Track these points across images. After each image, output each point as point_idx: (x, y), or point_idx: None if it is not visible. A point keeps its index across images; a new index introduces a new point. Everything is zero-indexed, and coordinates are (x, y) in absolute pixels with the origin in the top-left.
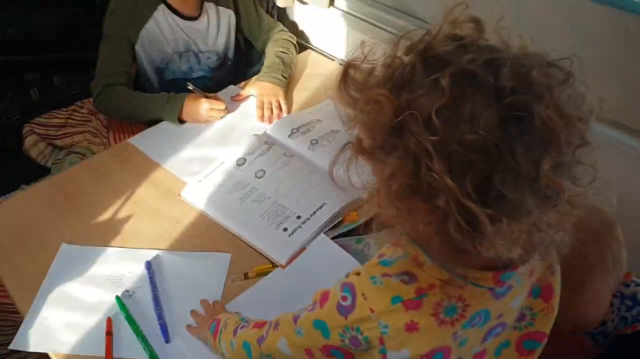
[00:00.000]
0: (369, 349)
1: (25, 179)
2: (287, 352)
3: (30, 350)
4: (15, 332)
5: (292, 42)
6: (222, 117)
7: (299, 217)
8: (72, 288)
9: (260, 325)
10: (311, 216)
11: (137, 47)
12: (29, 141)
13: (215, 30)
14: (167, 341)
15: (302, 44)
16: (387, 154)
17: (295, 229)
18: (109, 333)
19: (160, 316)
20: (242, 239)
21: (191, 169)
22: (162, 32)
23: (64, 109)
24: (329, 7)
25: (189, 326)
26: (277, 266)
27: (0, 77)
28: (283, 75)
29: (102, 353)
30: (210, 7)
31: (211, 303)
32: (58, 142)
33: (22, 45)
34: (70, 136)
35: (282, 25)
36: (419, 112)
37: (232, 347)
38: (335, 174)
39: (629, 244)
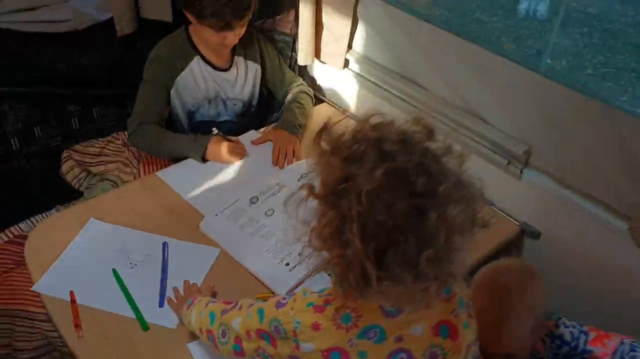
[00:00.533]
0: (287, 339)
1: (60, 200)
2: (236, 329)
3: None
4: (42, 339)
5: (310, 96)
6: (241, 159)
7: (299, 254)
8: (89, 253)
9: (228, 303)
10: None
11: (172, 92)
12: (66, 166)
13: (243, 81)
14: (161, 305)
15: (319, 97)
16: (328, 206)
17: (296, 265)
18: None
19: (163, 285)
20: (247, 269)
21: (210, 204)
22: (195, 80)
23: (100, 139)
24: (343, 68)
25: (169, 299)
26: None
27: (46, 107)
28: (299, 125)
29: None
30: (240, 60)
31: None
32: (92, 169)
33: (68, 80)
34: (104, 164)
35: (301, 80)
36: (356, 186)
37: (201, 315)
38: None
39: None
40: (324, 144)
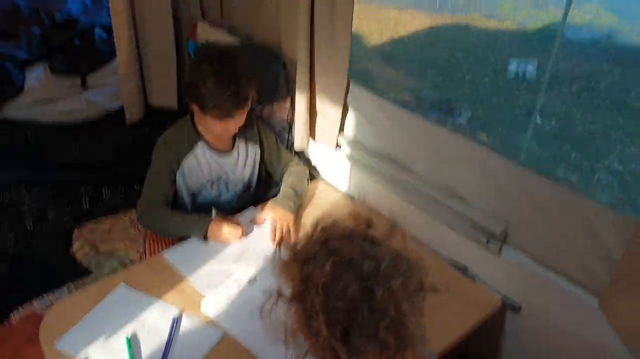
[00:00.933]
0: None
1: (71, 277)
2: None
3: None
4: None
5: (305, 174)
6: (239, 239)
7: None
8: (111, 317)
9: None
10: None
11: (178, 175)
12: (77, 245)
13: (244, 163)
14: None
15: (314, 175)
16: (296, 304)
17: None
18: None
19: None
20: (246, 349)
21: (211, 283)
22: (199, 164)
23: (110, 218)
24: (335, 149)
25: None
26: None
27: (59, 190)
28: (294, 203)
29: None
30: (240, 143)
31: None
32: (101, 247)
33: (80, 165)
34: (113, 242)
35: (297, 159)
36: (314, 282)
37: None
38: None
39: None
40: (284, 256)
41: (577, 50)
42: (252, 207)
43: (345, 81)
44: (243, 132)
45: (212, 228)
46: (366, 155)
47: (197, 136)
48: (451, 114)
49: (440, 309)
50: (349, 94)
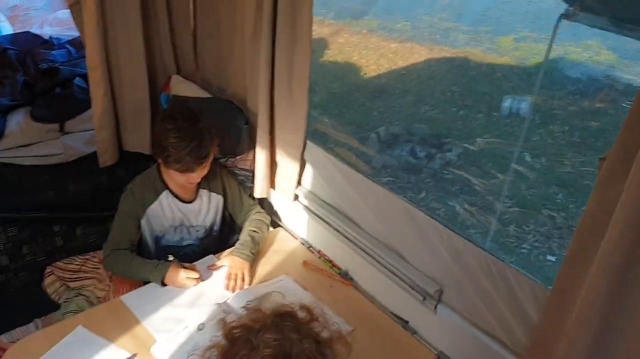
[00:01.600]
0: None
1: (39, 312)
2: None
3: None
4: None
5: (265, 222)
6: (195, 284)
7: None
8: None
9: None
10: None
11: (143, 221)
12: (48, 281)
13: (206, 210)
14: None
15: (275, 222)
16: None
17: None
18: None
19: None
20: None
21: (164, 327)
22: (163, 211)
23: (80, 256)
24: (293, 200)
25: None
26: None
27: (34, 227)
28: (252, 252)
29: None
30: (203, 193)
31: None
32: (71, 284)
33: (56, 204)
34: (82, 280)
35: (259, 207)
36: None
37: None
38: None
39: None
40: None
41: (573, 86)
42: (211, 255)
43: (302, 139)
44: (207, 182)
45: (170, 274)
46: (321, 208)
47: (163, 185)
48: (441, 149)
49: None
50: (306, 151)
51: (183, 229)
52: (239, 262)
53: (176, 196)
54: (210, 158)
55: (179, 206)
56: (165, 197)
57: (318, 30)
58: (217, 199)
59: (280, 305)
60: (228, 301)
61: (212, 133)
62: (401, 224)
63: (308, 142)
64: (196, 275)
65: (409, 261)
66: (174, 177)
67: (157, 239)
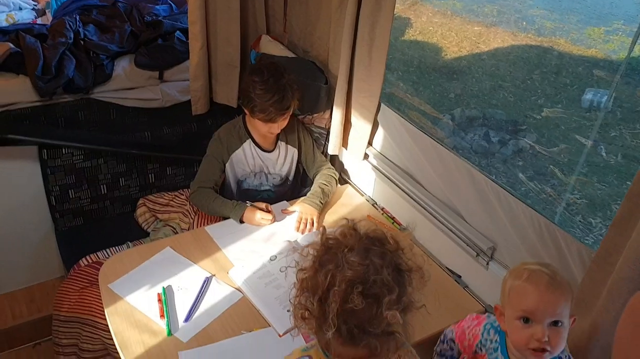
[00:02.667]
0: None
1: (131, 237)
2: None
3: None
4: (101, 344)
5: (334, 178)
6: (270, 224)
7: None
8: (155, 272)
9: None
10: None
11: (227, 165)
12: (139, 211)
13: (282, 161)
14: (186, 320)
15: (344, 179)
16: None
17: None
18: (159, 301)
19: (194, 305)
20: (258, 310)
21: (240, 256)
22: (246, 157)
23: (170, 193)
24: (363, 160)
25: None
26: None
27: (131, 163)
28: (320, 201)
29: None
30: (282, 145)
31: None
32: (159, 216)
33: (151, 144)
34: (169, 213)
35: (329, 164)
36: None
37: None
38: None
39: None
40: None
41: None
42: (284, 201)
43: (377, 103)
44: (285, 135)
45: (247, 213)
46: (388, 167)
47: (247, 134)
48: (515, 136)
49: (430, 306)
50: (380, 114)
51: (262, 176)
52: (309, 208)
53: (258, 145)
54: (291, 111)
55: (260, 154)
56: (248, 145)
57: (401, 9)
58: (292, 152)
59: (373, 229)
60: (298, 240)
61: (294, 88)
62: (463, 186)
63: (382, 105)
64: (270, 216)
65: (467, 220)
66: (257, 127)
67: (239, 183)
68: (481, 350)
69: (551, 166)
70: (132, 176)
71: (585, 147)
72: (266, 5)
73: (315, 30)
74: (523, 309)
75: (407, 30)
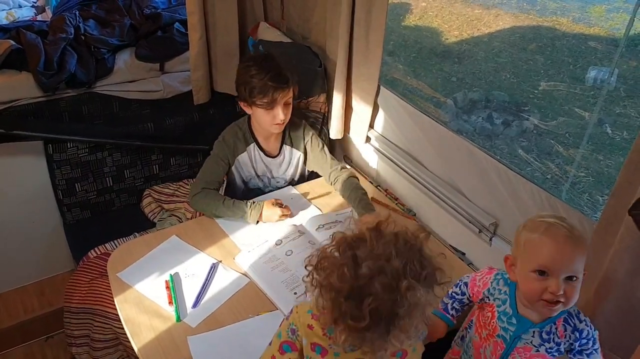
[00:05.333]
0: (296, 337)
1: (138, 228)
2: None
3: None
4: (112, 334)
5: (357, 178)
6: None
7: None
8: (162, 260)
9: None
10: None
11: (233, 167)
12: (145, 202)
13: (287, 166)
14: (194, 306)
15: (347, 162)
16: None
17: (302, 294)
18: (167, 288)
19: (202, 291)
20: (265, 294)
21: (247, 241)
22: (250, 160)
23: (174, 183)
24: (365, 143)
25: None
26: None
27: (135, 155)
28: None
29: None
30: (286, 149)
31: None
32: (165, 206)
33: (154, 136)
34: (175, 203)
35: (343, 163)
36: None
37: None
38: None
39: None
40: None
41: None
42: (290, 186)
43: (376, 86)
44: (290, 139)
45: (267, 212)
46: (391, 150)
47: (252, 137)
48: (519, 117)
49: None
50: (380, 96)
51: (265, 178)
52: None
53: (262, 150)
54: (291, 91)
55: (264, 159)
56: (253, 149)
57: None
58: (298, 155)
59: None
60: (303, 224)
61: (291, 68)
62: (463, 163)
63: (381, 87)
64: (289, 211)
65: (469, 197)
66: (261, 123)
67: (245, 182)
68: (489, 299)
69: (555, 143)
70: (137, 168)
71: (587, 121)
72: None
73: (312, 16)
74: (539, 264)
75: (407, 16)
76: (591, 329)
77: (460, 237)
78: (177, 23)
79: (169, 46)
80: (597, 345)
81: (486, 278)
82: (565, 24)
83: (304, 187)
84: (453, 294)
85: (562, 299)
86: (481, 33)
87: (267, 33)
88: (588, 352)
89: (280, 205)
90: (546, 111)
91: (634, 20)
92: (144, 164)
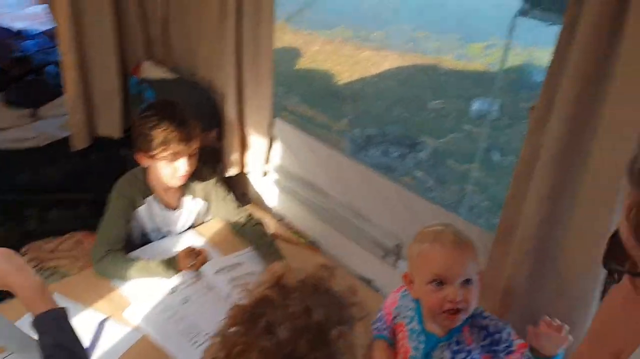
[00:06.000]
0: None
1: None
2: None
3: None
4: None
5: (262, 224)
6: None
7: (206, 334)
8: None
9: None
10: None
11: (132, 222)
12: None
13: (186, 217)
14: None
15: (246, 199)
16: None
17: (203, 342)
18: None
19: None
20: (162, 347)
21: (138, 292)
22: (149, 215)
23: (56, 238)
24: (263, 176)
25: None
26: None
27: (7, 211)
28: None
29: None
30: (187, 200)
31: None
32: (45, 264)
33: (29, 188)
34: (58, 259)
35: (248, 211)
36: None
37: None
38: None
39: None
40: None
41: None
42: (190, 230)
43: (269, 118)
44: (192, 188)
45: (183, 261)
46: (291, 181)
47: (149, 190)
48: (414, 148)
49: None
50: (276, 128)
51: (165, 233)
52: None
53: (161, 203)
54: (196, 143)
55: (163, 213)
56: (151, 201)
57: (292, 40)
58: (200, 205)
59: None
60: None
61: (192, 116)
62: (361, 188)
63: (277, 120)
64: (205, 253)
65: (371, 221)
66: (161, 175)
67: (143, 235)
68: (398, 318)
69: (452, 161)
70: (10, 225)
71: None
72: (146, 30)
73: (199, 51)
74: (434, 273)
75: (298, 60)
76: (500, 322)
77: (366, 264)
78: (50, 65)
79: (41, 90)
80: (519, 340)
81: (395, 296)
82: (448, 62)
83: (201, 229)
84: (377, 326)
85: (461, 306)
86: (371, 73)
87: (151, 71)
88: (512, 349)
89: (196, 253)
90: (437, 130)
91: (506, 56)
92: (18, 221)
